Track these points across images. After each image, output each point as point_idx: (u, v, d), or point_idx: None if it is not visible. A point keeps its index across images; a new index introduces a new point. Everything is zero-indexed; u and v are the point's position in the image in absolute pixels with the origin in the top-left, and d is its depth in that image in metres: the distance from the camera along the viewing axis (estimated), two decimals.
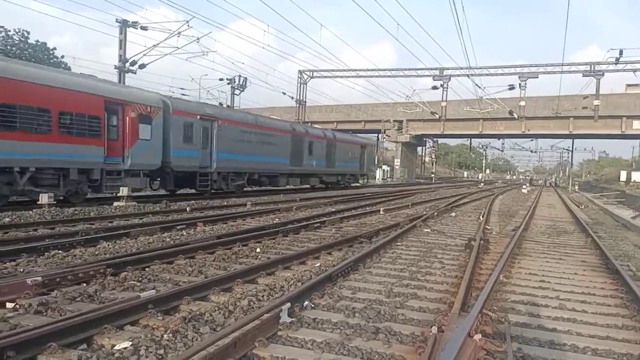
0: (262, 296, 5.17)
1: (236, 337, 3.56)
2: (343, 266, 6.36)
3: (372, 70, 47.66)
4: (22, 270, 5.95)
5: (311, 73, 47.43)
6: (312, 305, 4.93)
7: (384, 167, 54.98)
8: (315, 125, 38.57)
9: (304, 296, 4.99)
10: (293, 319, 4.37)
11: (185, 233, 9.58)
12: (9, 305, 4.53)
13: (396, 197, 23.44)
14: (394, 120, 53.91)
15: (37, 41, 42.42)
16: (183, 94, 32.22)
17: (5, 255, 6.53)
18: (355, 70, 47.65)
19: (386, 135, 55.83)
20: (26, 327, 3.77)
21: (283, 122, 28.03)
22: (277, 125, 25.80)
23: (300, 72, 46.97)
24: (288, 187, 26.29)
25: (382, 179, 50.82)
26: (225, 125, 20.21)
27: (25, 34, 41.44)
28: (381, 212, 15.26)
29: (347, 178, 34.24)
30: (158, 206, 14.34)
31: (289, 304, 4.47)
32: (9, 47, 39.94)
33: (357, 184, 36.27)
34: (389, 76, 47.91)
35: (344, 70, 46.24)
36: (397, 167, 57.03)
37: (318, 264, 7.03)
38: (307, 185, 29.13)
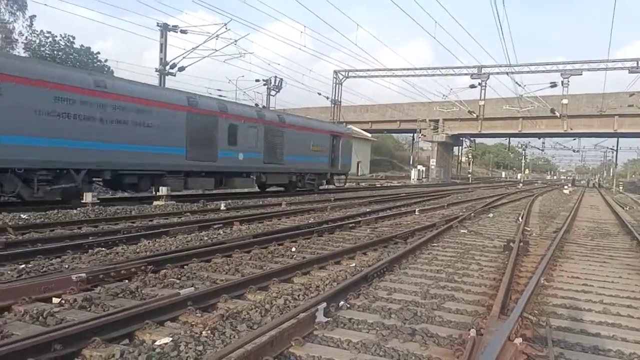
0: (298, 295, 5.20)
1: (273, 336, 3.59)
2: (378, 266, 6.32)
3: (408, 69, 47.25)
4: (67, 266, 6.15)
5: (346, 73, 47.44)
6: (348, 306, 4.92)
7: (419, 167, 54.41)
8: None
9: (339, 296, 4.99)
10: (329, 319, 4.38)
11: (222, 232, 9.73)
12: (55, 300, 4.70)
13: (431, 198, 23.14)
14: (430, 120, 53.35)
15: (82, 46, 44.02)
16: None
17: (51, 252, 6.78)
18: (391, 69, 47.37)
19: (422, 135, 55.25)
20: (71, 322, 3.91)
21: (172, 92, 17.44)
22: (158, 95, 15.84)
23: (335, 72, 47.03)
24: (189, 192, 17.79)
25: (418, 179, 50.29)
26: (15, 86, 11.55)
27: (71, 39, 43.07)
28: (416, 213, 15.10)
29: (309, 179, 23.99)
30: (195, 205, 14.64)
31: (324, 304, 4.48)
32: (55, 51, 41.60)
33: (329, 187, 26.84)
34: (426, 75, 47.36)
35: (380, 69, 46.11)
36: (432, 167, 56.35)
37: (353, 264, 7.02)
38: (241, 190, 20.31)
